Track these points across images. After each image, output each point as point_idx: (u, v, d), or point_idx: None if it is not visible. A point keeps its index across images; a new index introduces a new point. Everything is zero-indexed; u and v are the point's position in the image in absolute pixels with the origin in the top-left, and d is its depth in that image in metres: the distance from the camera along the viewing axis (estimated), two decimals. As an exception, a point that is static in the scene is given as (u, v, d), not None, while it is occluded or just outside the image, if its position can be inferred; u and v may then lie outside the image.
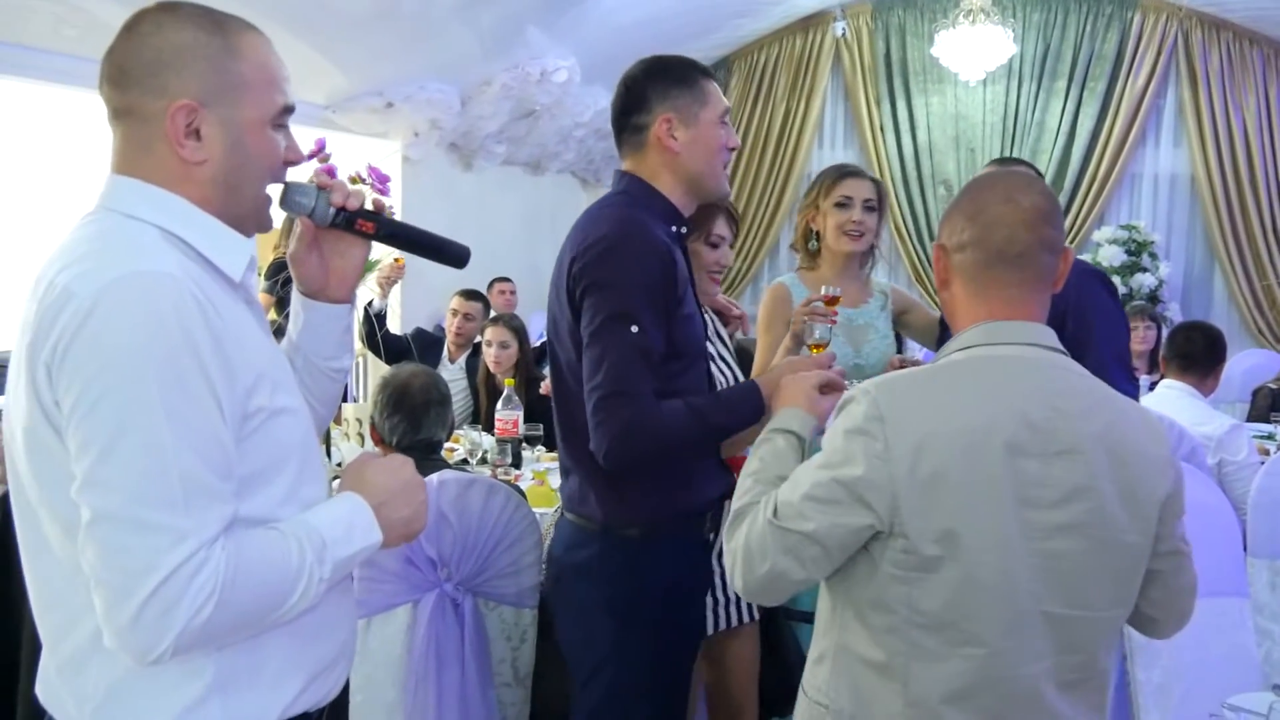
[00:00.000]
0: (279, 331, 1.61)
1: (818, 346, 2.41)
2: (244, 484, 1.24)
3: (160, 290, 1.17)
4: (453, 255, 1.59)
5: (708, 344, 2.51)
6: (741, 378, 2.67)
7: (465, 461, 3.95)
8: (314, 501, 1.36)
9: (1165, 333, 5.57)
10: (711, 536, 2.21)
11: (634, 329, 1.93)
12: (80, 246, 1.24)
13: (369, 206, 1.52)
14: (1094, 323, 2.63)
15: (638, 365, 1.93)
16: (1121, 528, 1.47)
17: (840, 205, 2.99)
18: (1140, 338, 5.88)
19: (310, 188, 1.45)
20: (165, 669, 1.22)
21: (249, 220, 1.38)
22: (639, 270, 1.96)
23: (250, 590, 1.20)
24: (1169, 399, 3.93)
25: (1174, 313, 7.30)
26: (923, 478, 1.43)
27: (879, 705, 1.50)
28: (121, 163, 1.31)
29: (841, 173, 3.04)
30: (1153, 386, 5.01)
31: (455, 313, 5.19)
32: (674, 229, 2.12)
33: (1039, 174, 2.80)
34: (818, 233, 3.03)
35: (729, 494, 2.25)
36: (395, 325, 6.16)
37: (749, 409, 2.02)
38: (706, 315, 2.67)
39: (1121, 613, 1.54)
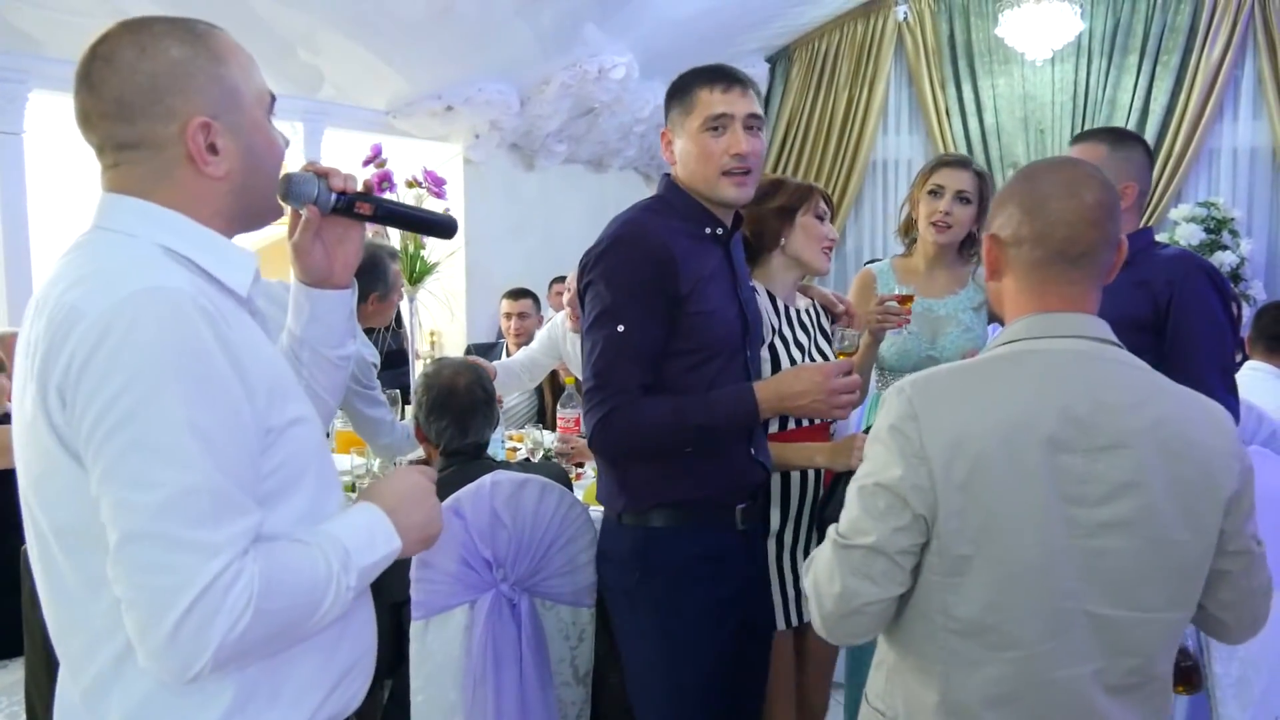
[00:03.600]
0: None
1: (844, 354, 2.39)
2: (266, 499, 1.22)
3: (172, 305, 1.15)
4: (442, 227, 1.62)
5: (791, 332, 2.48)
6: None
7: (528, 460, 3.95)
8: (332, 512, 1.36)
9: (1248, 312, 5.39)
10: (745, 529, 2.23)
11: (620, 327, 2.04)
12: (83, 265, 1.23)
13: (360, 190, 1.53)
14: (1198, 329, 2.42)
15: (621, 360, 2.05)
16: (1175, 525, 1.39)
17: (932, 194, 2.95)
18: (1220, 318, 5.69)
19: (310, 176, 1.46)
20: (186, 692, 1.21)
21: (268, 214, 1.40)
22: (627, 271, 2.06)
23: (284, 599, 1.18)
24: (1254, 381, 3.78)
25: (1257, 291, 7.04)
26: (959, 476, 1.41)
27: (924, 713, 1.48)
28: (126, 189, 1.29)
29: (939, 162, 3.00)
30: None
31: (509, 315, 5.15)
32: (709, 230, 2.17)
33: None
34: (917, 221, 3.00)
35: (761, 489, 2.26)
36: (459, 339, 6.21)
37: (740, 411, 2.08)
38: (808, 306, 2.61)
39: (1180, 615, 1.46)
